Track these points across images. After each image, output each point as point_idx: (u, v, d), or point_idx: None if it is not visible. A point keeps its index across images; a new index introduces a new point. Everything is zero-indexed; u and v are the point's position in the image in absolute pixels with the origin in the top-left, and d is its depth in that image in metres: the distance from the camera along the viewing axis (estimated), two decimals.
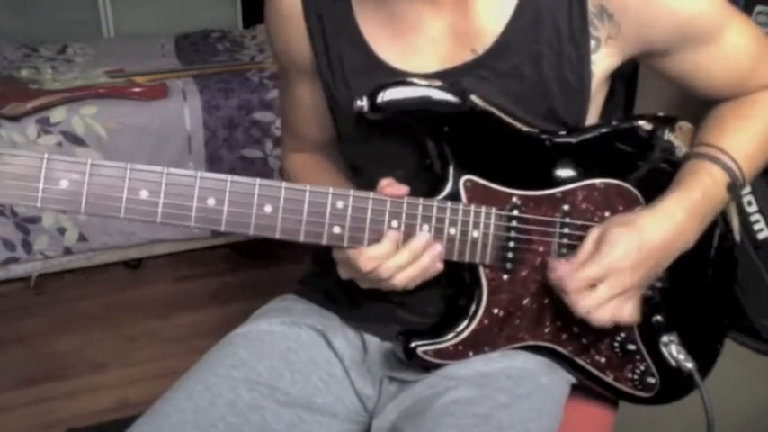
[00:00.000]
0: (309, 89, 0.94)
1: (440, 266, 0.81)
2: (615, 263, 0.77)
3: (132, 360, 2.08)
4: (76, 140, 2.29)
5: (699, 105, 0.92)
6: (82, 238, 2.36)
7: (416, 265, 0.78)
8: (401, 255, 0.78)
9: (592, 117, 0.88)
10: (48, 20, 3.36)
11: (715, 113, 0.89)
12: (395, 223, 0.78)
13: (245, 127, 2.46)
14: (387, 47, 0.85)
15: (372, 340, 0.93)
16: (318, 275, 0.99)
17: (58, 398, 1.93)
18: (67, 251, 2.37)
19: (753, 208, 1.86)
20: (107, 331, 2.20)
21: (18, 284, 2.40)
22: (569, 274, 0.78)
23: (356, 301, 0.92)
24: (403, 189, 0.78)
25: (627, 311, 0.80)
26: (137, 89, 2.43)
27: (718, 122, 0.88)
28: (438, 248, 0.79)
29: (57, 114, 2.28)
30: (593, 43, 0.82)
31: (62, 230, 2.33)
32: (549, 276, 0.80)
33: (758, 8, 1.78)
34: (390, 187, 0.78)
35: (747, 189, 1.85)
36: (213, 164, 2.45)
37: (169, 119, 2.38)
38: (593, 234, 0.80)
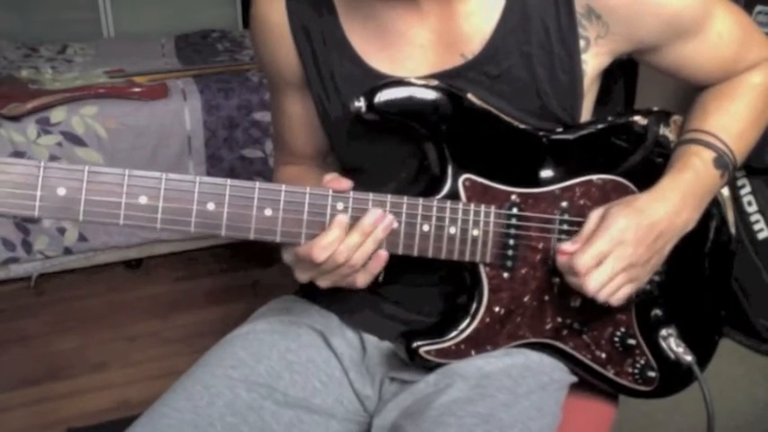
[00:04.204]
0: (299, 101, 0.94)
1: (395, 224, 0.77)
2: (618, 235, 0.78)
3: (132, 360, 2.08)
4: (76, 140, 2.29)
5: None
6: (82, 237, 2.36)
7: (370, 240, 0.76)
8: (352, 236, 0.75)
9: (584, 113, 0.88)
10: (48, 20, 3.36)
11: (698, 100, 0.91)
12: (394, 224, 0.77)
13: (245, 127, 2.46)
14: (377, 56, 0.85)
15: (371, 340, 0.93)
16: None
17: (58, 398, 1.93)
18: (67, 251, 2.37)
19: (753, 208, 1.86)
20: (107, 331, 2.20)
21: (18, 284, 2.40)
22: (578, 254, 0.78)
23: (354, 300, 0.92)
24: (346, 182, 0.76)
25: (626, 291, 0.80)
26: (137, 89, 2.43)
27: (701, 108, 0.89)
28: (390, 218, 0.76)
29: (57, 114, 2.28)
30: (582, 43, 0.82)
31: (62, 230, 2.32)
32: (558, 261, 0.80)
33: (758, 8, 1.78)
34: (335, 181, 0.76)
35: (747, 189, 1.86)
36: (213, 164, 2.44)
37: (169, 119, 2.38)
38: (593, 215, 0.81)
